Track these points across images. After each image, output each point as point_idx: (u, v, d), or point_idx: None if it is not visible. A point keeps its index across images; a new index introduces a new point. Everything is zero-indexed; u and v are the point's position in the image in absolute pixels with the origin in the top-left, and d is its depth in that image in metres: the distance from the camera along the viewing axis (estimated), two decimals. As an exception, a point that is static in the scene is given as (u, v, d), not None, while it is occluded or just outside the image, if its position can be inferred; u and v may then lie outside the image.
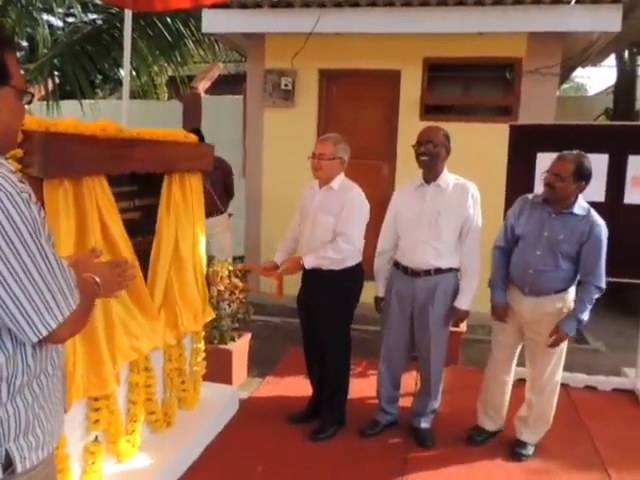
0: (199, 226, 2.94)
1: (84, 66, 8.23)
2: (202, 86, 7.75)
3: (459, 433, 3.16)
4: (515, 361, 3.02)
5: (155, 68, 9.55)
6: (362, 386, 3.68)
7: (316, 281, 2.96)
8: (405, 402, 3.29)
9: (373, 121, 5.23)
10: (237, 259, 5.02)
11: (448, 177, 2.92)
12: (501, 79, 5.01)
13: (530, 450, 2.99)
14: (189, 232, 2.85)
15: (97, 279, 1.28)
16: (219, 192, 4.81)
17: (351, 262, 2.94)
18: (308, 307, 3.07)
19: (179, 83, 9.75)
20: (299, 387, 3.57)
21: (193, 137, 2.94)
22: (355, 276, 2.98)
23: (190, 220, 2.85)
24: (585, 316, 2.71)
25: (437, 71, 5.05)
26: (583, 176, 2.65)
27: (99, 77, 8.90)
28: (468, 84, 5.11)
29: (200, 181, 2.96)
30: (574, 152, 2.70)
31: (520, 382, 3.21)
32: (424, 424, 3.10)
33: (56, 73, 7.46)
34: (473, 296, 2.91)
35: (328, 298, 2.95)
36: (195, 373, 3.09)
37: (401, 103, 5.10)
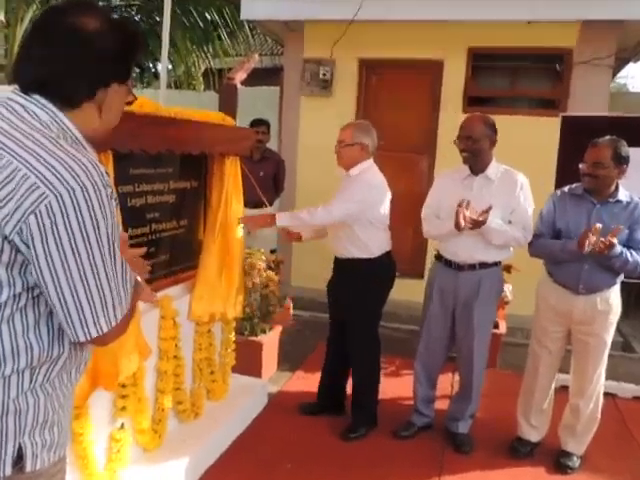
0: (236, 213, 2.86)
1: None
2: (238, 77, 7.71)
3: (498, 440, 3.01)
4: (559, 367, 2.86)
5: (191, 59, 9.58)
6: (395, 386, 3.56)
7: (343, 270, 2.89)
8: (440, 405, 3.16)
9: (413, 113, 5.09)
10: (272, 252, 4.96)
11: (497, 167, 2.78)
12: (549, 70, 4.80)
13: (576, 462, 2.82)
14: (230, 218, 2.79)
15: (139, 279, 1.21)
16: (268, 183, 4.80)
17: (378, 251, 2.85)
18: (335, 297, 2.99)
19: (214, 75, 9.76)
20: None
21: (229, 119, 2.86)
22: (384, 267, 2.88)
23: (228, 206, 2.78)
24: (624, 263, 2.53)
25: (482, 61, 4.87)
26: (623, 159, 2.53)
27: (136, 70, 8.99)
28: (514, 75, 4.92)
29: (238, 166, 2.87)
30: (607, 138, 2.57)
31: (560, 389, 3.04)
32: (462, 429, 2.96)
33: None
34: (498, 233, 2.67)
35: (354, 288, 2.86)
36: (225, 364, 3.03)
37: (443, 94, 4.95)
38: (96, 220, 0.96)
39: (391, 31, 4.86)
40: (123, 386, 2.17)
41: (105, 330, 1.02)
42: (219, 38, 9.38)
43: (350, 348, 2.98)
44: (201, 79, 9.93)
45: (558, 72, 4.75)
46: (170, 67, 9.12)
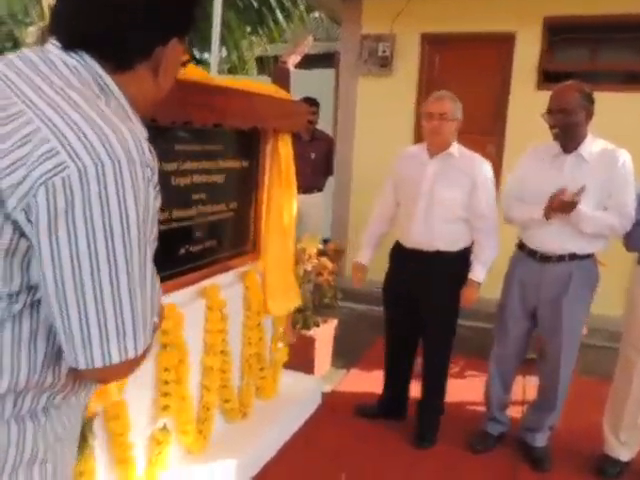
0: (290, 196, 2.67)
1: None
2: (292, 60, 7.56)
3: (581, 457, 2.69)
4: None
5: (245, 43, 9.47)
6: (460, 388, 3.28)
7: (424, 266, 2.62)
8: (511, 411, 2.87)
9: (481, 91, 4.76)
10: (324, 242, 4.81)
11: (593, 143, 2.45)
12: (636, 41, 4.36)
13: (678, 487, 2.46)
14: (285, 202, 2.65)
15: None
16: (321, 166, 4.64)
17: (465, 243, 2.63)
18: (404, 296, 2.72)
19: (269, 62, 9.62)
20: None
21: (283, 92, 2.66)
22: (467, 261, 2.64)
23: (281, 188, 2.61)
24: None
25: (559, 33, 4.49)
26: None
27: (192, 61, 8.95)
28: (596, 47, 4.50)
29: (290, 144, 2.67)
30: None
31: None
32: (540, 442, 2.65)
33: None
34: (590, 219, 2.36)
35: (441, 287, 2.62)
36: (275, 360, 2.86)
37: (515, 70, 4.60)
38: (125, 209, 0.74)
39: (456, 2, 4.55)
40: (165, 382, 2.00)
41: (115, 361, 0.77)
42: (274, 22, 9.21)
43: (429, 349, 2.77)
44: (254, 65, 9.82)
45: (647, 43, 4.30)
46: (223, 54, 9.05)
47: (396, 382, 2.93)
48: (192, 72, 1.99)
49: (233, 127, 2.27)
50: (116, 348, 0.77)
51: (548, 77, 4.50)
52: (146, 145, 0.80)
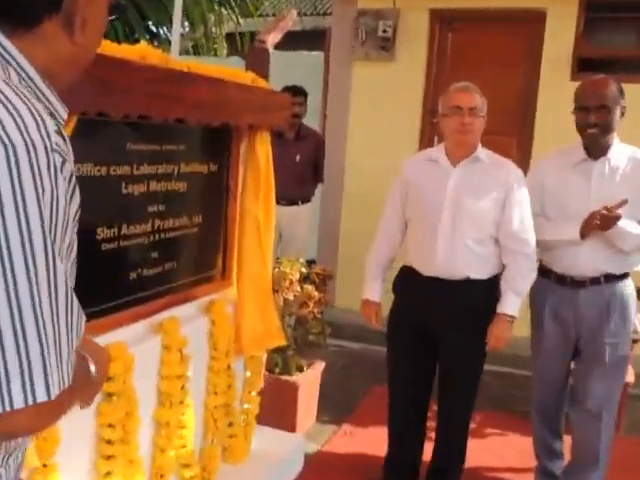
0: (269, 208, 2.70)
1: (128, 21, 8.37)
2: (271, 39, 7.64)
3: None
4: None
5: (212, 17, 9.56)
6: (479, 449, 3.28)
7: (448, 297, 2.65)
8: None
9: (503, 81, 4.88)
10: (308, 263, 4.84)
11: (621, 148, 2.59)
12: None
13: None
14: (262, 216, 2.68)
15: (92, 365, 0.98)
16: (307, 171, 4.69)
17: (496, 269, 2.67)
18: (418, 335, 2.76)
19: (242, 38, 9.71)
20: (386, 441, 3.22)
21: (262, 81, 2.70)
22: (499, 291, 2.68)
23: (258, 199, 2.64)
24: None
25: (599, 11, 4.63)
26: None
27: (146, 36, 9.02)
28: (642, 30, 4.66)
29: (269, 143, 2.70)
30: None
31: None
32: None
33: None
34: (630, 235, 2.51)
35: (468, 323, 2.65)
36: (247, 413, 2.86)
37: (545, 56, 4.74)
38: (23, 206, 0.73)
39: (475, -28, 4.69)
40: (109, 442, 1.98)
41: (18, 406, 0.74)
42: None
43: (447, 401, 2.79)
44: (224, 43, 9.92)
45: None
46: (186, 29, 9.11)
47: (405, 444, 2.94)
48: (149, 53, 2.01)
49: (199, 123, 2.28)
50: (19, 387, 0.75)
51: (584, 65, 4.62)
52: (52, 126, 0.79)
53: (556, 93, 4.54)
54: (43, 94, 0.85)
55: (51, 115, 0.84)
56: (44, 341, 0.76)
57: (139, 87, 1.87)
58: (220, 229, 2.68)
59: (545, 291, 2.68)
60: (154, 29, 9.67)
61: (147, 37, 9.13)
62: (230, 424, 2.70)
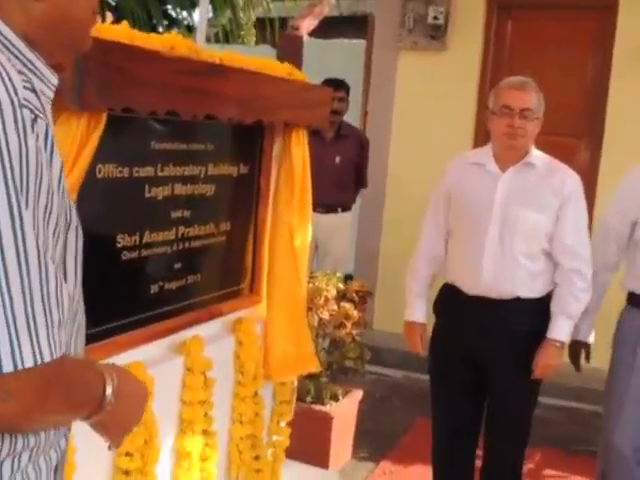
0: (305, 216, 2.74)
1: (146, 4, 8.50)
2: (306, 26, 7.74)
3: None
4: None
5: (240, 2, 9.68)
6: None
7: (496, 319, 2.66)
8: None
9: (568, 76, 4.91)
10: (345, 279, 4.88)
11: None
12: None
13: None
14: (297, 224, 2.72)
15: (108, 386, 1.03)
16: (348, 174, 4.71)
17: (549, 286, 2.68)
18: (465, 362, 2.76)
19: (272, 25, 9.81)
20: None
21: (300, 74, 2.73)
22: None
23: (292, 205, 2.68)
24: None
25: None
26: None
27: (164, 22, 9.16)
28: None
29: (306, 144, 2.74)
30: None
31: None
32: None
33: (108, 14, 7.73)
34: None
35: (519, 347, 2.66)
36: (276, 446, 2.87)
37: (616, 50, 4.75)
38: None
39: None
40: (126, 473, 2.02)
41: (6, 369, 0.82)
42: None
43: (497, 437, 2.79)
44: (253, 30, 10.04)
45: None
46: (211, 14, 9.23)
47: (455, 477, 2.95)
48: (177, 43, 2.05)
49: (231, 120, 2.32)
50: (8, 350, 0.81)
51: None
52: (20, 81, 0.86)
53: (629, 90, 4.54)
54: (25, 56, 0.91)
55: (39, 79, 0.92)
56: (30, 297, 0.83)
57: (168, 81, 1.91)
58: (249, 238, 2.71)
59: (633, 321, 2.70)
60: (173, 14, 9.80)
61: (165, 23, 9.27)
62: (256, 457, 2.71)
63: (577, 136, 4.93)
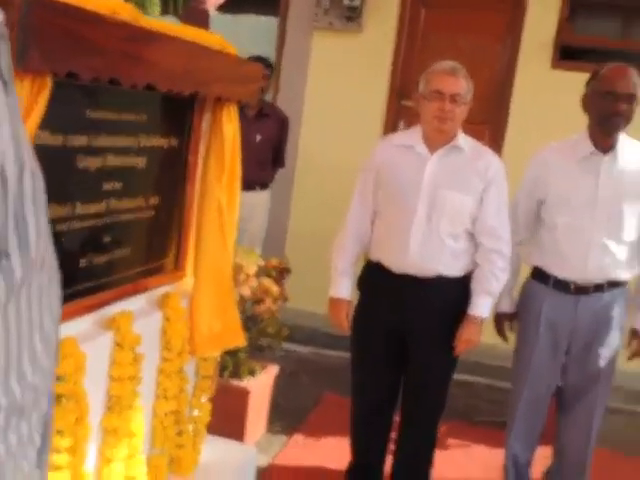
0: (234, 193, 2.70)
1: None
2: (212, 0, 7.54)
3: None
4: None
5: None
6: (442, 463, 3.37)
7: (420, 296, 2.72)
8: None
9: (478, 65, 4.89)
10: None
11: (629, 142, 2.72)
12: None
13: None
14: (226, 200, 2.67)
15: None
16: (267, 153, 4.64)
17: (470, 266, 2.76)
18: (387, 338, 2.82)
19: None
20: (342, 452, 3.27)
21: (231, 48, 2.67)
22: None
23: (221, 181, 2.62)
24: None
25: (584, -2, 4.81)
26: None
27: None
28: (630, 20, 4.84)
29: (237, 119, 2.68)
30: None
31: None
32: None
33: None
34: None
35: (441, 323, 2.74)
36: (197, 421, 2.83)
37: (524, 41, 4.89)
38: None
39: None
40: (58, 452, 1.94)
41: None
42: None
43: (415, 409, 2.87)
44: (157, 1, 9.75)
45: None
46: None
47: (370, 456, 3.02)
48: (120, 8, 1.95)
49: (170, 90, 2.23)
50: None
51: (566, 53, 4.76)
52: None
53: (534, 80, 4.69)
54: None
55: None
56: None
57: (113, 47, 1.82)
58: (176, 213, 2.65)
59: (540, 297, 2.79)
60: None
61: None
62: (179, 432, 2.68)
63: (482, 122, 4.98)
